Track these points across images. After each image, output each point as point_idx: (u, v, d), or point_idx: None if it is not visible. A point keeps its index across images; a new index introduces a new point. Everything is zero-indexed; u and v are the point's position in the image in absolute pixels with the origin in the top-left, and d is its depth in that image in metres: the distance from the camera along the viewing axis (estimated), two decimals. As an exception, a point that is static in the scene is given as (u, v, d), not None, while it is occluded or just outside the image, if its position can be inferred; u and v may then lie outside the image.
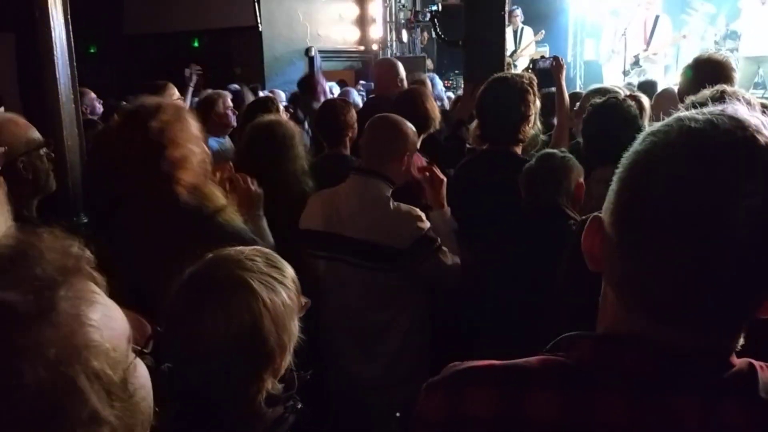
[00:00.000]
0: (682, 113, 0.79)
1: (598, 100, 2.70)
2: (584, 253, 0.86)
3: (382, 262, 2.38)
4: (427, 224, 2.40)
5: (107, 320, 0.69)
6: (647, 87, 5.12)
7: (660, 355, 0.78)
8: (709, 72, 3.04)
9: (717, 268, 0.73)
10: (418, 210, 2.42)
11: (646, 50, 9.35)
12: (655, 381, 0.77)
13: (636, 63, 9.31)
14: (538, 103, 3.41)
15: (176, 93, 4.13)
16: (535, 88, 2.94)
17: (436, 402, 0.88)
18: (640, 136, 0.82)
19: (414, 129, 2.59)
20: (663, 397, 0.76)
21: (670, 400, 0.76)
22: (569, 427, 0.79)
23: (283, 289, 1.36)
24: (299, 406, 1.39)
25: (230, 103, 4.04)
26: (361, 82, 9.43)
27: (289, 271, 1.42)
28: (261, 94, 6.05)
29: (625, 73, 9.22)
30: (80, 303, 0.67)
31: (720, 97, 0.85)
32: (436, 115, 3.43)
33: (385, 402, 2.44)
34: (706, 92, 2.15)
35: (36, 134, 2.21)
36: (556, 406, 0.80)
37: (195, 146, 2.10)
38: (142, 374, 0.74)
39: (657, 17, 9.42)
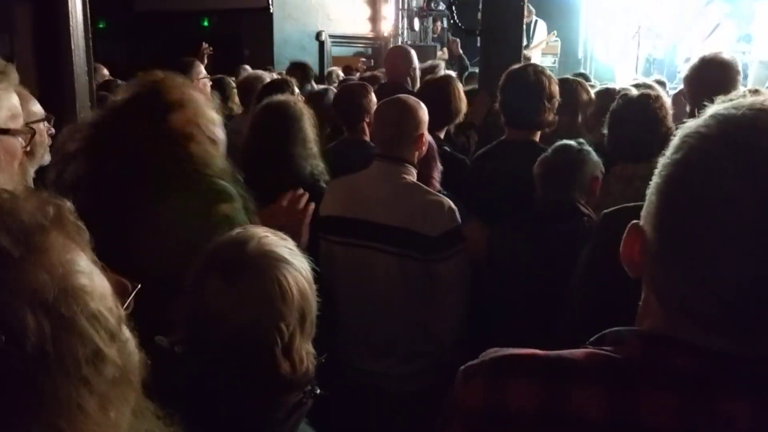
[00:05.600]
0: (720, 109, 0.76)
1: (630, 94, 2.66)
2: (623, 261, 0.83)
3: (411, 248, 2.35)
4: (459, 221, 2.37)
5: (94, 269, 0.69)
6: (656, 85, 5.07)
7: (710, 360, 0.75)
8: (714, 73, 3.02)
9: (763, 286, 0.70)
10: (452, 204, 2.39)
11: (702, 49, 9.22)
12: (706, 384, 0.75)
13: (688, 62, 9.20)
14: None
15: (203, 71, 4.12)
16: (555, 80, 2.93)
17: (475, 390, 0.85)
18: (675, 139, 0.78)
19: (424, 106, 2.54)
20: (713, 400, 0.74)
21: (721, 404, 0.74)
22: (616, 425, 0.76)
23: (304, 265, 1.35)
24: (318, 391, 1.36)
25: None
26: (362, 59, 9.39)
27: (293, 242, 1.41)
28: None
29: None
30: (70, 249, 0.67)
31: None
32: (462, 109, 3.38)
33: (397, 390, 2.44)
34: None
35: (38, 107, 2.20)
36: (602, 402, 0.77)
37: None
38: (128, 330, 0.73)
39: (716, 26, 9.29)
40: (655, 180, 0.79)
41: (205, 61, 5.04)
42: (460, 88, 3.44)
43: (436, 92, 3.26)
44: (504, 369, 0.85)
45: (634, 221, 0.82)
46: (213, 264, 1.31)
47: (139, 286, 0.79)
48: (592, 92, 3.56)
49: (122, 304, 0.73)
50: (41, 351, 0.60)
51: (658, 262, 0.78)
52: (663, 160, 0.78)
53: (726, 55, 3.22)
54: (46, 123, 2.18)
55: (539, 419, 0.79)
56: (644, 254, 0.79)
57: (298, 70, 5.31)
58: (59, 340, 0.62)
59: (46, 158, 2.22)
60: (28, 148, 2.09)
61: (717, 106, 0.77)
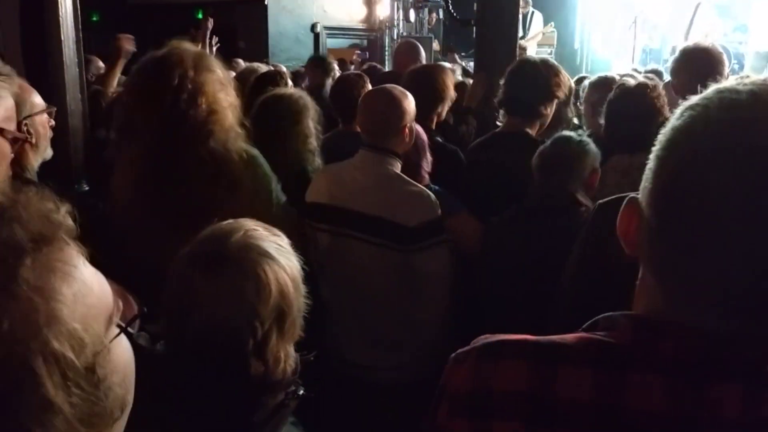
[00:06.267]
0: (721, 85, 0.75)
1: (627, 84, 2.63)
2: (619, 237, 0.81)
3: (388, 238, 2.34)
4: (439, 212, 2.36)
5: (82, 296, 0.62)
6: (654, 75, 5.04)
7: (702, 341, 0.73)
8: (697, 60, 3.01)
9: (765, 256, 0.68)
10: (433, 195, 2.38)
11: (686, 40, 9.23)
12: (696, 367, 0.73)
13: (674, 53, 9.20)
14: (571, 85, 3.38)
15: None
16: (563, 73, 2.91)
17: (464, 373, 0.85)
18: (677, 111, 0.77)
19: (411, 97, 2.51)
20: (703, 384, 0.72)
21: (711, 388, 0.72)
22: (603, 407, 0.75)
23: (294, 258, 1.33)
24: (301, 392, 1.31)
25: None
26: (357, 51, 9.37)
27: (286, 239, 1.38)
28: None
29: (665, 60, 9.15)
30: (49, 275, 0.60)
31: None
32: (445, 97, 3.30)
33: (382, 382, 2.42)
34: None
35: (39, 99, 2.18)
36: (590, 385, 0.76)
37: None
38: (120, 355, 0.67)
39: (697, 6, 9.27)
40: (655, 149, 0.77)
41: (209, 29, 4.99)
42: (447, 76, 3.34)
43: (417, 80, 3.19)
44: (493, 352, 0.84)
45: (632, 195, 0.80)
46: (195, 253, 1.28)
47: (145, 309, 0.74)
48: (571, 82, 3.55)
49: (127, 324, 0.68)
50: None
51: (656, 240, 0.76)
52: (664, 132, 0.77)
53: (706, 42, 3.23)
54: (46, 115, 2.17)
55: (526, 400, 0.78)
56: (641, 230, 0.78)
57: (319, 64, 5.29)
58: (7, 381, 0.55)
59: (49, 152, 2.22)
60: (34, 140, 2.09)
61: (719, 84, 0.75)
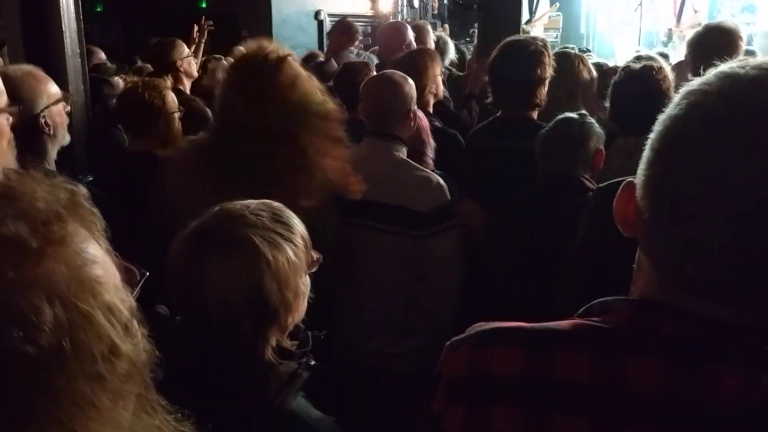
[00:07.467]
0: (724, 68, 0.73)
1: (633, 66, 2.60)
2: (616, 220, 0.81)
3: (404, 225, 2.33)
4: (449, 196, 2.35)
5: (106, 258, 0.68)
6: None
7: (700, 325, 0.73)
8: (715, 38, 2.98)
9: (758, 251, 0.67)
10: (441, 180, 2.37)
11: (677, 25, 9.15)
12: (695, 349, 0.73)
13: (669, 38, 9.12)
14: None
15: (186, 50, 4.03)
16: (550, 51, 2.84)
17: (460, 360, 0.85)
18: (677, 97, 0.76)
19: (411, 81, 2.50)
20: (702, 366, 0.72)
21: (710, 370, 0.72)
22: (600, 390, 0.75)
23: (288, 245, 1.33)
24: (312, 363, 1.37)
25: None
26: (359, 38, 9.31)
27: (299, 227, 1.38)
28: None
29: (663, 44, 9.09)
30: (82, 239, 0.66)
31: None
32: (429, 75, 3.21)
33: (393, 369, 2.42)
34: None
35: (55, 88, 2.19)
36: (587, 368, 0.76)
37: None
38: (136, 321, 0.72)
39: None
40: (651, 137, 0.76)
41: (205, 36, 4.96)
42: (428, 57, 3.29)
43: (402, 66, 3.11)
44: (489, 340, 0.85)
45: (629, 179, 0.79)
46: (189, 230, 1.33)
47: (147, 273, 0.77)
48: (594, 71, 3.48)
49: (131, 293, 0.72)
50: (58, 347, 0.58)
51: (650, 223, 0.75)
52: (661, 119, 0.76)
53: (729, 23, 3.20)
54: (63, 103, 2.19)
55: (523, 384, 0.79)
56: (637, 214, 0.77)
57: (344, 31, 5.36)
58: (76, 335, 0.60)
59: (67, 138, 2.25)
60: (52, 132, 2.11)
61: (722, 66, 0.74)
